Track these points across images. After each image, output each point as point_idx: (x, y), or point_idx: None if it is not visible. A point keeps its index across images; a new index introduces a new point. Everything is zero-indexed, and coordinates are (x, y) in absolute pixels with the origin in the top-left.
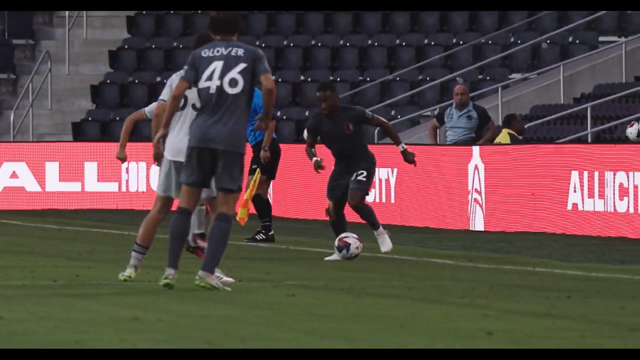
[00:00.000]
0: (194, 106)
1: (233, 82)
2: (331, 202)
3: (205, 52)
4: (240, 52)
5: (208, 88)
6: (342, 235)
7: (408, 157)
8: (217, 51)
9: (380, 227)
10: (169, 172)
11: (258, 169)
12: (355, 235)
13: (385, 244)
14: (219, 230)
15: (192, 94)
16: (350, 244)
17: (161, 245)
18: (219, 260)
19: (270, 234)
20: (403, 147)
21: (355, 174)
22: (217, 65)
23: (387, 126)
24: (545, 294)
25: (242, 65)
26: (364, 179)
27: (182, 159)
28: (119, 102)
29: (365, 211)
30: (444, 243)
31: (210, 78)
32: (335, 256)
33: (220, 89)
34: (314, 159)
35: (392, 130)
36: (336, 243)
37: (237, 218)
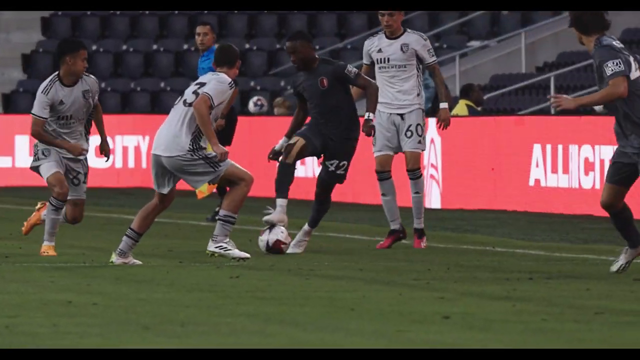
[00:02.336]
0: (185, 102)
1: None
2: (299, 138)
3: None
4: None
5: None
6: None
7: (365, 127)
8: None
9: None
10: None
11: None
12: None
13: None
14: None
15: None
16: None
17: (101, 225)
18: None
19: None
20: (370, 117)
21: (333, 163)
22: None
23: (371, 91)
24: (505, 276)
25: None
26: (344, 172)
27: (158, 152)
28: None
29: (327, 206)
30: None
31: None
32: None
33: None
34: (280, 145)
35: (374, 98)
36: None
37: (197, 191)
